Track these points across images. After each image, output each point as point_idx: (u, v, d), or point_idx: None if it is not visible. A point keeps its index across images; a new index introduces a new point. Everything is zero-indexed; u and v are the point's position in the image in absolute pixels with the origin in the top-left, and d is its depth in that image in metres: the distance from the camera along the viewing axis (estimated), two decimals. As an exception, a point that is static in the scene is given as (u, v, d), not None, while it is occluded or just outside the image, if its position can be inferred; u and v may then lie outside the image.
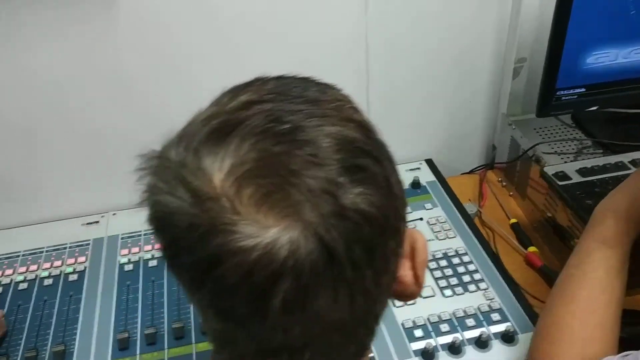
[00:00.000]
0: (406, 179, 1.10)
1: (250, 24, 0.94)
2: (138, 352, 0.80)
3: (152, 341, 0.81)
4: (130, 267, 0.94)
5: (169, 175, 0.35)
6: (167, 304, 0.87)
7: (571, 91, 0.92)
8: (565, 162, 0.97)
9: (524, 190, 1.07)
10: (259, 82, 0.40)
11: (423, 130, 1.18)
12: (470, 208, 1.07)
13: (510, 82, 1.09)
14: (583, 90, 0.93)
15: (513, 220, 1.05)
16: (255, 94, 0.37)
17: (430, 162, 1.17)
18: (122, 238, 1.00)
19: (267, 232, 0.32)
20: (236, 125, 0.35)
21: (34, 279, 0.93)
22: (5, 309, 0.86)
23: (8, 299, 0.89)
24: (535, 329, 0.72)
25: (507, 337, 0.79)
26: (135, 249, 0.98)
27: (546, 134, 1.06)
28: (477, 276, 0.90)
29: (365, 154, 0.36)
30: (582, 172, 0.92)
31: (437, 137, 1.20)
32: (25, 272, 0.94)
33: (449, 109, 1.16)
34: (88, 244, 0.99)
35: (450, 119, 1.18)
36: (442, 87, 1.12)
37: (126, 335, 0.81)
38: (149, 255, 0.96)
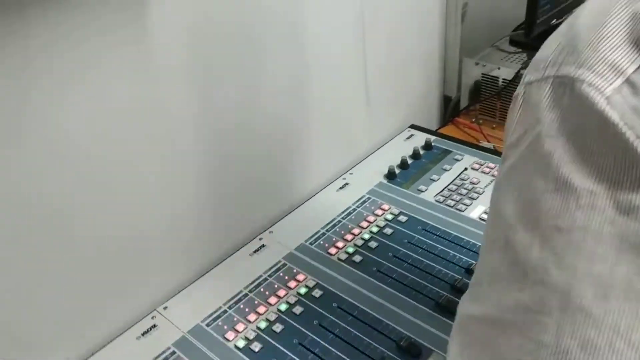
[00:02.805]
0: (414, 145, 1.10)
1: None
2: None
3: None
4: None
5: None
6: None
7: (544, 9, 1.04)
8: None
9: (512, 116, 1.16)
10: None
11: (402, 99, 1.18)
12: (487, 145, 1.12)
13: (460, 27, 1.17)
14: (548, 6, 1.06)
15: (522, 143, 1.12)
16: None
17: (415, 127, 1.18)
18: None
19: None
20: None
21: None
22: None
23: None
24: None
25: None
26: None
27: (507, 62, 1.17)
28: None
29: None
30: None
31: (412, 103, 1.21)
32: None
33: (414, 72, 1.19)
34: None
35: (416, 81, 1.20)
36: (409, 55, 1.14)
37: None
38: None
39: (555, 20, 1.11)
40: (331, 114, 1.01)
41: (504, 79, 1.13)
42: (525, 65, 1.15)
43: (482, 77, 1.16)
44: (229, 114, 0.82)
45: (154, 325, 0.79)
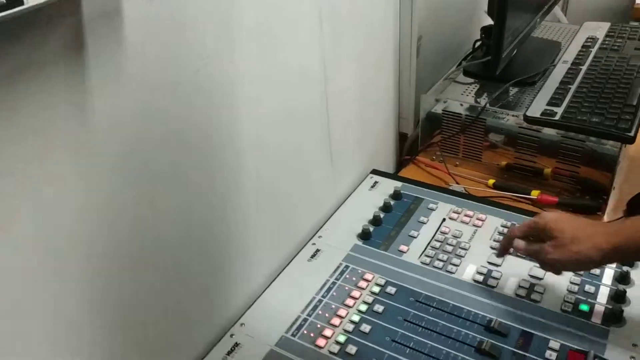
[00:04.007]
0: (380, 195, 1.00)
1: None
2: None
3: None
4: None
5: None
6: None
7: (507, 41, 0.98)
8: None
9: (477, 153, 1.09)
10: None
11: (362, 143, 1.07)
12: (458, 189, 1.04)
13: (415, 61, 1.08)
14: (510, 38, 1.00)
15: (491, 181, 1.06)
16: None
17: (377, 172, 1.09)
18: None
19: None
20: None
21: None
22: None
23: None
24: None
25: None
26: None
27: (464, 96, 1.10)
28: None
29: None
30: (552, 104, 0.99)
31: (371, 146, 1.11)
32: None
33: (371, 114, 1.09)
34: None
35: (373, 123, 1.10)
36: (366, 96, 1.04)
37: None
38: None
39: (515, 51, 1.06)
40: (296, 171, 0.88)
41: (467, 115, 1.06)
42: (486, 97, 1.08)
43: (444, 113, 1.09)
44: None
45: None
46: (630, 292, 0.78)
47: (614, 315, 0.75)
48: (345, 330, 0.76)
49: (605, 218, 0.96)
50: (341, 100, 0.94)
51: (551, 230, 0.70)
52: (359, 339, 0.75)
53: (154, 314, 0.66)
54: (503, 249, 0.80)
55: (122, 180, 0.57)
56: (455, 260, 0.86)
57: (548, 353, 0.71)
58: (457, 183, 1.06)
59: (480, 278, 0.83)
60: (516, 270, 0.83)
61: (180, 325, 0.71)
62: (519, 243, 0.75)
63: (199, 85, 0.63)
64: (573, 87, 1.02)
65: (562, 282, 0.81)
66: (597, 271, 0.82)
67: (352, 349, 0.73)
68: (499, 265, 0.84)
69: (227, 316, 0.80)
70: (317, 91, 0.88)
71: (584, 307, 0.77)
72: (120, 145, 0.55)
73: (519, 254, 0.82)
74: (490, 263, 0.85)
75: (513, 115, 1.02)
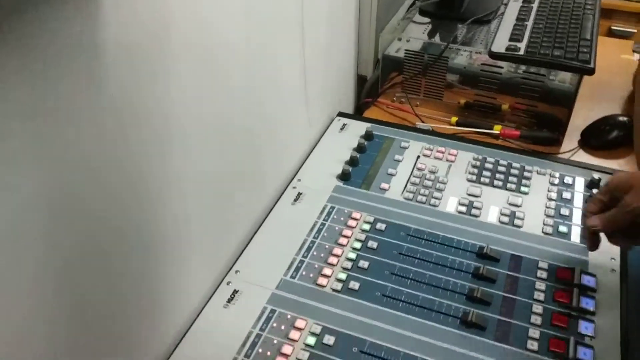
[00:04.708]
0: (350, 136, 1.00)
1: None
2: None
3: None
4: None
5: None
6: None
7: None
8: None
9: (439, 93, 1.10)
10: None
11: (328, 86, 1.05)
12: (425, 127, 1.05)
13: (376, 2, 1.07)
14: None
15: (454, 119, 1.08)
16: None
17: (343, 114, 1.08)
18: None
19: None
20: None
21: None
22: None
23: None
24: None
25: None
26: None
27: (425, 35, 1.11)
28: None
29: None
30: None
31: (336, 89, 1.09)
32: None
33: (334, 56, 1.06)
34: None
35: (338, 65, 1.08)
36: (333, 36, 1.01)
37: None
38: None
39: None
40: (273, 113, 0.85)
41: (430, 54, 1.07)
42: (446, 36, 1.09)
43: (406, 53, 1.09)
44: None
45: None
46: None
47: (591, 234, 0.80)
48: (344, 268, 0.76)
49: (562, 149, 1.02)
50: (314, 42, 0.91)
51: (627, 182, 0.68)
52: (359, 275, 0.75)
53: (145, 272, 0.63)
54: (591, 240, 0.73)
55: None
56: (437, 194, 0.88)
57: (539, 273, 0.75)
58: (423, 122, 1.08)
59: (464, 209, 0.85)
60: (495, 199, 0.87)
61: (173, 277, 0.68)
62: (602, 219, 0.70)
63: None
64: (529, 24, 1.05)
65: (539, 208, 0.85)
66: (568, 195, 0.87)
67: (354, 284, 0.73)
68: (479, 197, 0.87)
69: (220, 266, 0.77)
70: (295, 34, 0.84)
71: (563, 229, 0.82)
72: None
73: (606, 233, 0.73)
74: (470, 195, 0.88)
75: (477, 52, 1.04)
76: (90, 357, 0.54)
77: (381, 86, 1.16)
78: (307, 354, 0.66)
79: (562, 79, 1.00)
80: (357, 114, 1.17)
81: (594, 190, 0.87)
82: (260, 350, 0.66)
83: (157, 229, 0.60)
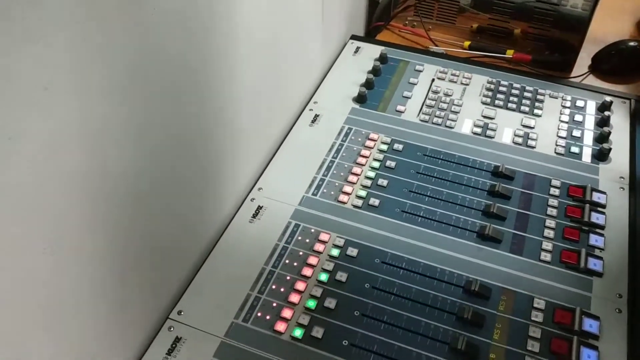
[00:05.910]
0: (364, 59, 1.00)
1: None
2: None
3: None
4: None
5: None
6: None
7: None
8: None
9: (452, 17, 1.09)
10: None
11: (342, 8, 1.04)
12: (438, 50, 1.05)
13: None
14: None
15: (467, 43, 1.08)
16: None
17: (356, 37, 1.07)
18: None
19: None
20: None
21: None
22: None
23: None
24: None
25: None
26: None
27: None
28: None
29: None
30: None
31: (347, 11, 1.08)
32: None
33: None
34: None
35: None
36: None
37: None
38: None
39: None
40: (291, 33, 0.84)
41: (445, -24, 1.05)
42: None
43: (421, -25, 1.07)
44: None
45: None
46: (613, 135, 0.86)
47: (601, 153, 0.82)
48: (364, 186, 0.78)
49: (573, 74, 1.03)
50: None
51: None
52: (379, 192, 0.78)
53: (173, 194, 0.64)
54: None
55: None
56: (452, 116, 0.89)
57: (552, 190, 0.78)
58: (436, 45, 1.08)
59: (479, 130, 0.87)
60: (509, 121, 0.89)
61: (200, 196, 0.70)
62: None
63: None
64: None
65: (552, 129, 0.87)
66: (580, 117, 0.89)
67: (374, 201, 0.76)
68: (493, 118, 0.89)
69: (242, 182, 0.79)
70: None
71: (575, 149, 0.84)
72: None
73: None
74: (484, 117, 0.89)
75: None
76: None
77: (393, 9, 1.15)
78: (332, 264, 0.69)
79: (575, 3, 0.99)
80: (370, 37, 1.16)
81: (605, 113, 0.89)
82: (287, 262, 0.69)
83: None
